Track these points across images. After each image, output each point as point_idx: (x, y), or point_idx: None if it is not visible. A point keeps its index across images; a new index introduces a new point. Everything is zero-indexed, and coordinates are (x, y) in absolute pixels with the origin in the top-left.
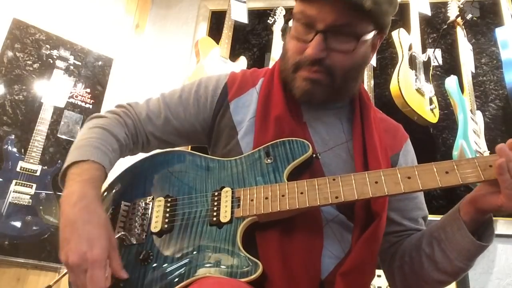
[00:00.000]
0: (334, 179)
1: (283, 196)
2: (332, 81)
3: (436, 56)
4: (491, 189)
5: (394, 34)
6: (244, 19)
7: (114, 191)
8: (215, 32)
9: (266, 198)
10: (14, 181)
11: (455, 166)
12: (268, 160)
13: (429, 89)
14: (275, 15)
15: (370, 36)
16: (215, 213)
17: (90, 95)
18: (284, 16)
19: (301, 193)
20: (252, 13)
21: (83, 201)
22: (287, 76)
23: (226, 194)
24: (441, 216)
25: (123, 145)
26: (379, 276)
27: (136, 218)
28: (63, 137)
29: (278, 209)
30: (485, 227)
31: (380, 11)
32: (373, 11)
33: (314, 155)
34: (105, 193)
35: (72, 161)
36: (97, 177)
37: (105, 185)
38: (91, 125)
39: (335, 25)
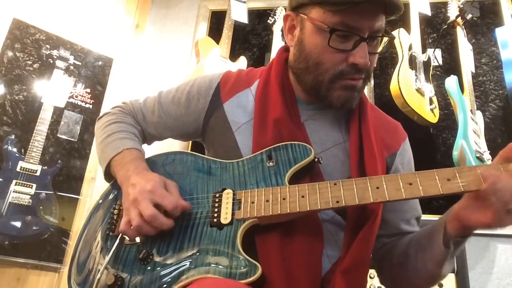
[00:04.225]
0: (335, 184)
1: (284, 199)
2: (364, 84)
3: (436, 56)
4: (477, 203)
5: (394, 34)
6: (244, 19)
7: (114, 191)
8: (215, 32)
9: (267, 200)
10: (14, 181)
11: (457, 174)
12: (270, 163)
13: (429, 89)
14: (275, 15)
15: None
16: (215, 215)
17: (90, 95)
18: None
19: (302, 196)
20: (252, 13)
21: (136, 170)
22: (319, 87)
23: (227, 196)
24: (441, 216)
25: (140, 130)
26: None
27: None
28: (63, 137)
29: (279, 212)
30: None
31: None
32: (402, 10)
33: (316, 160)
34: (106, 194)
35: (109, 159)
36: (137, 155)
37: (105, 186)
38: (103, 124)
39: (375, 31)
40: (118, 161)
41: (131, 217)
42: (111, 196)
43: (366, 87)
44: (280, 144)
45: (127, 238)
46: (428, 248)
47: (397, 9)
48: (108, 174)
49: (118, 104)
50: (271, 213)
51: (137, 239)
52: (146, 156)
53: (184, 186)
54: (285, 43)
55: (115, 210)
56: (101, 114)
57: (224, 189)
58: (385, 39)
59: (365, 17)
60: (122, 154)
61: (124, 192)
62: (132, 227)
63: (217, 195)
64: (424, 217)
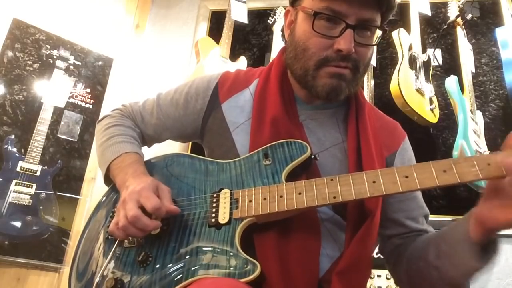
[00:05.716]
0: (332, 179)
1: (281, 197)
2: (354, 76)
3: (436, 56)
4: (495, 202)
5: (394, 34)
6: (244, 19)
7: (114, 195)
8: (215, 32)
9: (264, 199)
10: (14, 181)
11: (453, 165)
12: (267, 162)
13: (429, 89)
14: (275, 15)
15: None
16: (213, 215)
17: (90, 95)
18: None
19: (299, 193)
20: (252, 13)
21: (134, 173)
22: (306, 74)
23: (224, 196)
24: (441, 216)
25: (139, 132)
26: (379, 276)
27: None
28: (63, 137)
29: (276, 210)
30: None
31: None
32: (394, 7)
33: (312, 156)
34: (106, 197)
35: (108, 162)
36: (136, 158)
37: (105, 187)
38: (103, 127)
39: (364, 19)
40: (117, 164)
41: (119, 218)
42: (110, 199)
43: (365, 87)
44: (276, 142)
45: (126, 240)
46: (453, 254)
47: (389, 2)
48: (108, 178)
49: (118, 107)
50: (268, 211)
51: (135, 242)
52: (146, 157)
53: (182, 187)
54: (285, 43)
55: (115, 213)
56: (101, 117)
57: (221, 189)
58: (380, 33)
59: (352, 4)
60: (121, 158)
61: (120, 195)
62: (119, 229)
63: (215, 195)
64: None
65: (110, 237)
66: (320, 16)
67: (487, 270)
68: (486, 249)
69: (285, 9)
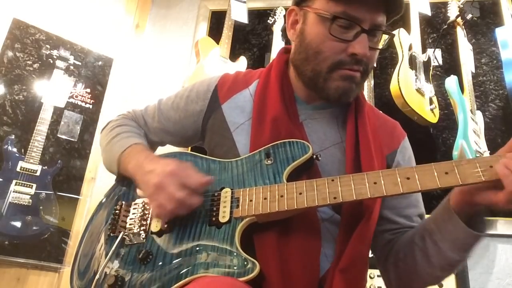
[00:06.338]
0: (333, 180)
1: (281, 196)
2: (362, 78)
3: (436, 56)
4: (489, 184)
5: (394, 34)
6: (244, 19)
7: (115, 192)
8: (215, 32)
9: (265, 198)
10: (14, 181)
11: (455, 167)
12: (268, 161)
13: (429, 89)
14: (275, 15)
15: None
16: (214, 213)
17: (90, 95)
18: (284, 16)
19: (300, 193)
20: (252, 13)
21: (148, 158)
22: (317, 77)
23: (225, 195)
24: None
25: (144, 132)
26: (379, 276)
27: (137, 218)
28: (63, 137)
29: (277, 210)
30: (477, 216)
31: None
32: (401, 12)
33: (314, 156)
34: (107, 196)
35: (118, 155)
36: (146, 147)
37: (105, 186)
38: (108, 130)
39: (376, 24)
40: (126, 155)
41: (162, 202)
42: (112, 198)
43: (365, 87)
44: (278, 142)
45: (127, 238)
46: (436, 230)
47: (398, 8)
48: (119, 174)
49: (123, 114)
50: (269, 211)
51: (134, 241)
52: None
53: None
54: (285, 43)
55: (116, 211)
56: (105, 124)
57: (222, 188)
58: (385, 37)
59: (367, 9)
60: (130, 148)
61: (140, 181)
62: (166, 211)
63: (216, 194)
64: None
65: (111, 235)
66: (336, 20)
67: (472, 243)
68: (473, 223)
69: (285, 9)
